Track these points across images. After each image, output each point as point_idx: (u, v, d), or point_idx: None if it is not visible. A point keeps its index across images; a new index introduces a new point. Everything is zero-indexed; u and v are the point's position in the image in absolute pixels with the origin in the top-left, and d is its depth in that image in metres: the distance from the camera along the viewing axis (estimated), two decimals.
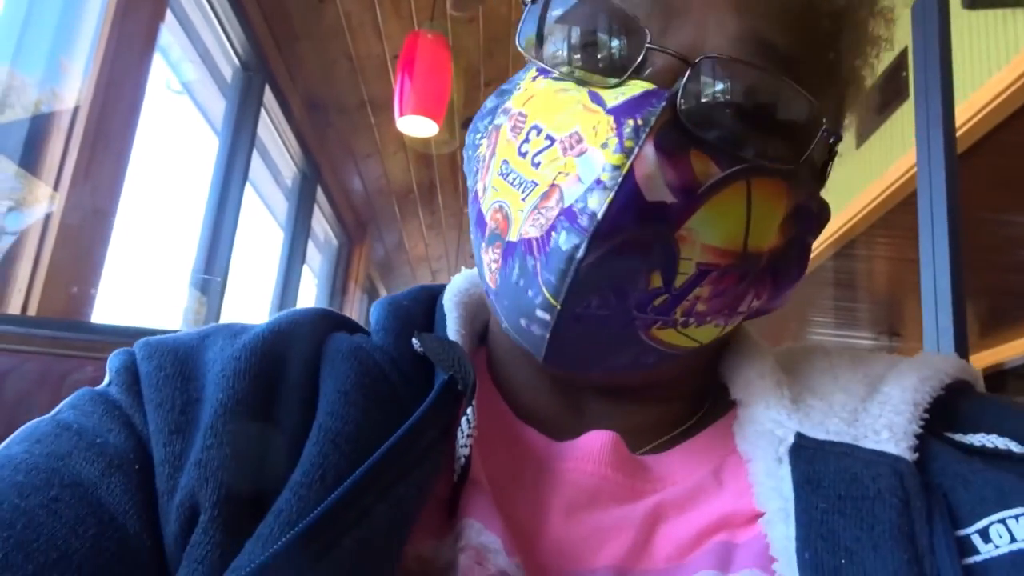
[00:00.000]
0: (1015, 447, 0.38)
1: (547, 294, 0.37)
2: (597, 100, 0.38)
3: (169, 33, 2.37)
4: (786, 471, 0.38)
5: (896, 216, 2.93)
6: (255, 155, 2.92)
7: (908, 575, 0.32)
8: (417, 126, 2.49)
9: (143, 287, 2.38)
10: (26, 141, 1.58)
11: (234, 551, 0.32)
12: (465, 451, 0.37)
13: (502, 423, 0.44)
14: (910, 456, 0.36)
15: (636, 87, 0.38)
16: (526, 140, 0.40)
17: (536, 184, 0.38)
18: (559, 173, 0.37)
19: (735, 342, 0.48)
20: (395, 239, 4.84)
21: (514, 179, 0.40)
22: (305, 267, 3.77)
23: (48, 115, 1.62)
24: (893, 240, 3.42)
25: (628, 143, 0.35)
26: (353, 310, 4.62)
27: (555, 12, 0.42)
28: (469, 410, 0.38)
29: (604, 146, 0.36)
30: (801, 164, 0.40)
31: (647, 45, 0.38)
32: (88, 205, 1.62)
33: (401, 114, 2.36)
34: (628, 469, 0.41)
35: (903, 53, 2.66)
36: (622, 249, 0.36)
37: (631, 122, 0.36)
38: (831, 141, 0.42)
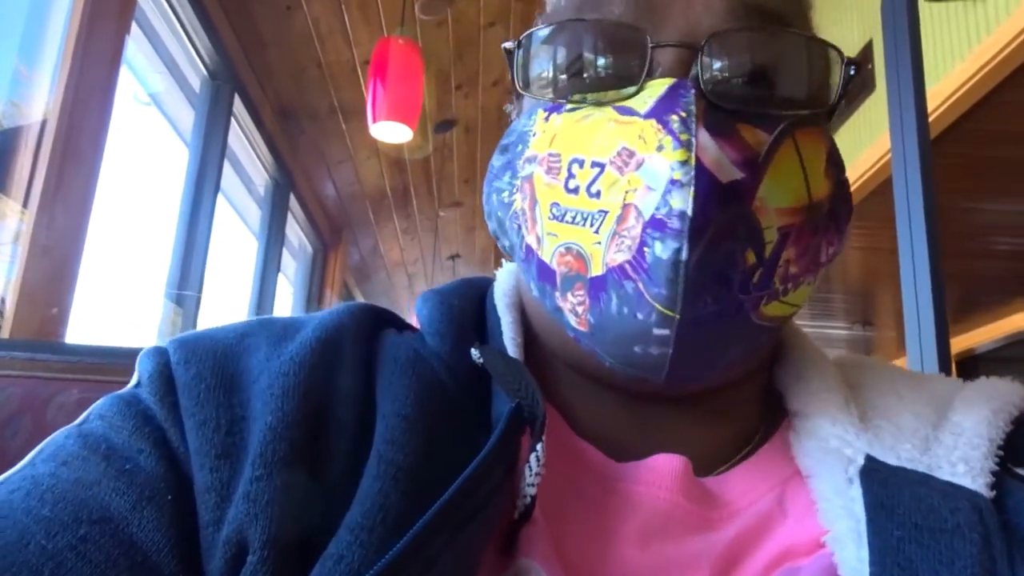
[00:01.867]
0: None
1: (661, 308, 0.35)
2: (626, 112, 0.38)
3: (135, 45, 2.34)
4: (857, 492, 0.36)
5: (868, 206, 2.97)
6: (226, 164, 2.89)
7: None
8: (391, 132, 2.47)
9: (117, 301, 2.34)
10: None
11: None
12: (531, 491, 0.35)
13: (559, 442, 0.41)
14: (987, 492, 0.35)
15: (657, 86, 0.38)
16: (570, 176, 0.39)
17: (606, 212, 0.37)
18: (626, 192, 0.36)
19: (790, 345, 0.47)
20: (370, 244, 4.82)
21: (574, 217, 0.38)
22: (280, 275, 3.74)
23: (15, 130, 1.59)
24: (865, 230, 3.47)
25: (683, 136, 0.35)
26: None
27: (549, 45, 0.42)
28: (539, 446, 0.36)
29: (660, 148, 0.36)
30: (828, 106, 0.41)
31: (650, 45, 0.38)
32: (59, 222, 1.59)
33: (375, 120, 2.35)
34: (696, 496, 0.39)
35: (868, 46, 2.69)
36: (716, 238, 0.35)
37: (675, 117, 0.36)
38: (851, 72, 0.42)
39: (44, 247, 1.55)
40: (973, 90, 2.28)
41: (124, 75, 2.02)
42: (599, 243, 0.37)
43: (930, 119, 2.34)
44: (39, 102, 1.63)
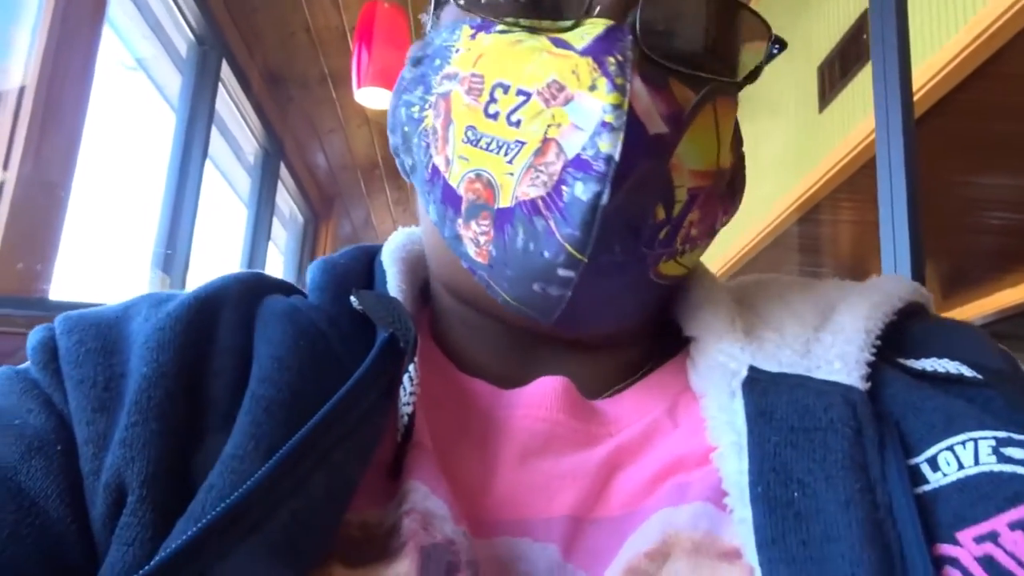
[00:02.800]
0: (965, 370, 0.38)
1: (571, 249, 0.35)
2: (562, 44, 0.37)
3: (120, 9, 2.30)
4: (739, 405, 0.37)
5: (859, 180, 2.96)
6: (215, 131, 2.86)
7: (860, 504, 0.31)
8: (376, 98, 2.45)
9: (105, 267, 2.33)
10: None
11: (166, 531, 0.31)
12: (408, 410, 0.36)
13: (446, 379, 0.43)
14: (862, 385, 0.36)
15: (595, 25, 0.37)
16: (492, 100, 0.38)
17: (523, 143, 0.37)
18: (549, 126, 0.36)
19: (691, 283, 0.47)
20: (362, 215, 4.80)
21: (489, 143, 0.38)
22: (271, 244, 3.72)
23: None
24: (857, 204, 3.46)
25: (619, 80, 0.35)
26: None
27: None
28: (411, 367, 0.37)
29: (593, 88, 0.35)
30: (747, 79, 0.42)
31: None
32: (39, 182, 1.58)
33: (359, 86, 2.33)
34: (581, 414, 0.40)
35: (863, 16, 2.67)
36: (635, 188, 0.35)
37: (612, 59, 0.35)
38: (773, 51, 0.43)
39: (24, 206, 1.54)
40: (967, 61, 2.26)
41: (110, 40, 2.00)
42: (511, 174, 0.37)
43: (924, 91, 2.33)
44: (18, 65, 1.60)
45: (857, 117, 2.79)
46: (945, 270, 4.16)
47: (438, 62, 0.42)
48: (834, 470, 0.32)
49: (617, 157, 0.34)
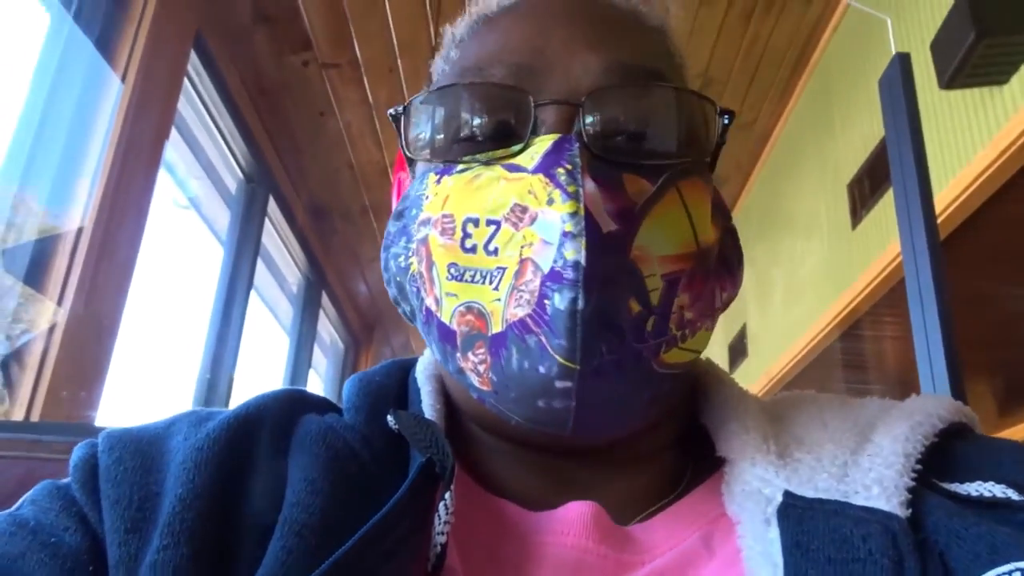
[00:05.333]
0: (1014, 495, 0.36)
1: (562, 360, 0.36)
2: (515, 169, 0.39)
3: (174, 151, 2.45)
4: (775, 534, 0.36)
5: (900, 293, 2.93)
6: (260, 263, 2.97)
7: None
8: None
9: (152, 396, 2.38)
10: (31, 260, 1.62)
11: None
12: (442, 540, 0.35)
13: (475, 502, 0.42)
14: (903, 512, 0.35)
15: (543, 142, 0.39)
16: (466, 235, 0.40)
17: (504, 268, 0.38)
18: (522, 247, 0.37)
19: (714, 390, 0.47)
20: (402, 340, 4.85)
21: (473, 276, 0.39)
22: (311, 372, 3.76)
23: (54, 237, 1.66)
24: (899, 318, 3.40)
25: (571, 188, 0.36)
26: None
27: (434, 110, 0.43)
28: (447, 495, 0.37)
29: (551, 202, 0.37)
30: (708, 155, 0.43)
31: (534, 104, 0.40)
32: (91, 315, 1.65)
33: None
34: (613, 541, 0.39)
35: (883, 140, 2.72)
36: (603, 287, 0.36)
37: (561, 170, 0.37)
38: (726, 122, 0.44)
39: (75, 339, 1.60)
40: (997, 174, 2.27)
41: (164, 181, 2.12)
42: (499, 300, 0.38)
43: (954, 207, 2.33)
44: (78, 208, 1.71)
45: (891, 232, 2.80)
46: (1000, 384, 4.02)
47: (414, 211, 0.45)
48: None
49: (583, 262, 0.35)
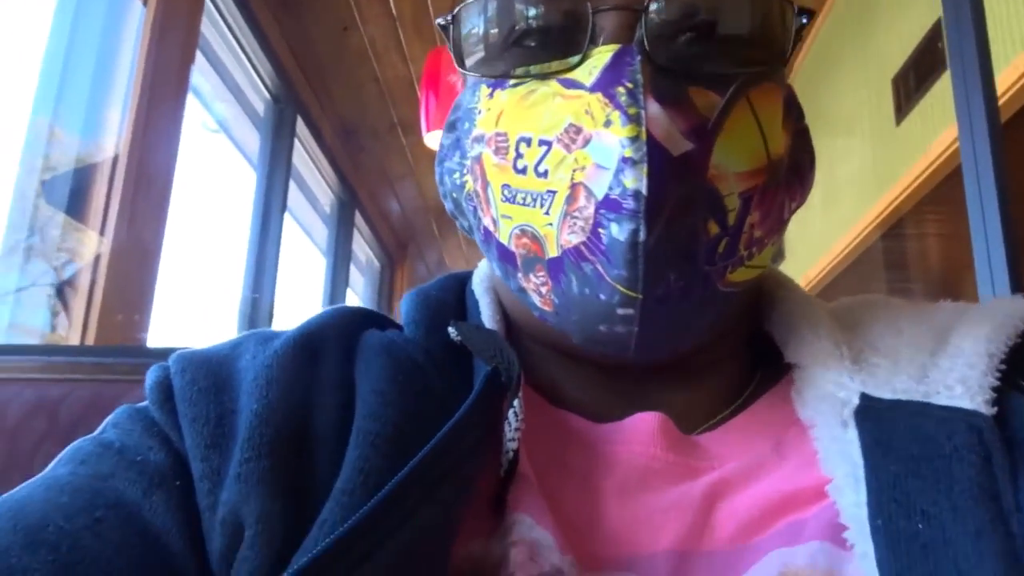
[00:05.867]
0: None
1: (623, 289, 0.35)
2: (572, 85, 0.37)
3: (200, 74, 2.43)
4: (853, 435, 0.36)
5: (944, 191, 2.84)
6: (292, 185, 2.97)
7: (993, 535, 0.30)
8: None
9: (196, 317, 2.43)
10: (71, 191, 1.63)
11: (281, 566, 0.31)
12: (513, 445, 0.36)
13: (541, 412, 0.42)
14: (987, 411, 0.34)
15: (601, 55, 0.36)
16: (519, 156, 0.38)
17: (554, 192, 0.37)
18: (574, 171, 0.36)
19: (781, 297, 0.45)
20: (436, 257, 4.87)
21: (524, 198, 0.38)
22: (349, 290, 3.80)
23: (91, 166, 1.67)
24: (943, 216, 3.32)
25: (632, 110, 0.34)
26: None
27: (485, 17, 0.40)
28: (516, 402, 0.36)
29: (608, 124, 0.34)
30: (782, 60, 0.40)
31: (591, 10, 0.37)
32: (134, 242, 1.67)
33: (428, 130, 2.38)
34: (680, 449, 0.39)
35: (936, 26, 2.59)
36: (675, 214, 0.34)
37: (622, 89, 0.35)
38: (804, 21, 0.40)
39: (120, 266, 1.63)
40: None
41: (192, 103, 2.10)
42: (551, 224, 0.37)
43: (1012, 92, 2.23)
44: (111, 138, 1.70)
45: (937, 128, 2.70)
46: None
47: (467, 125, 0.43)
48: (961, 500, 0.31)
49: (644, 191, 0.33)
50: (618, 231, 0.34)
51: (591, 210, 0.35)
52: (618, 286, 0.35)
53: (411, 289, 0.48)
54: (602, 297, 0.36)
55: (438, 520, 0.32)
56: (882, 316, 0.43)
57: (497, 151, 0.39)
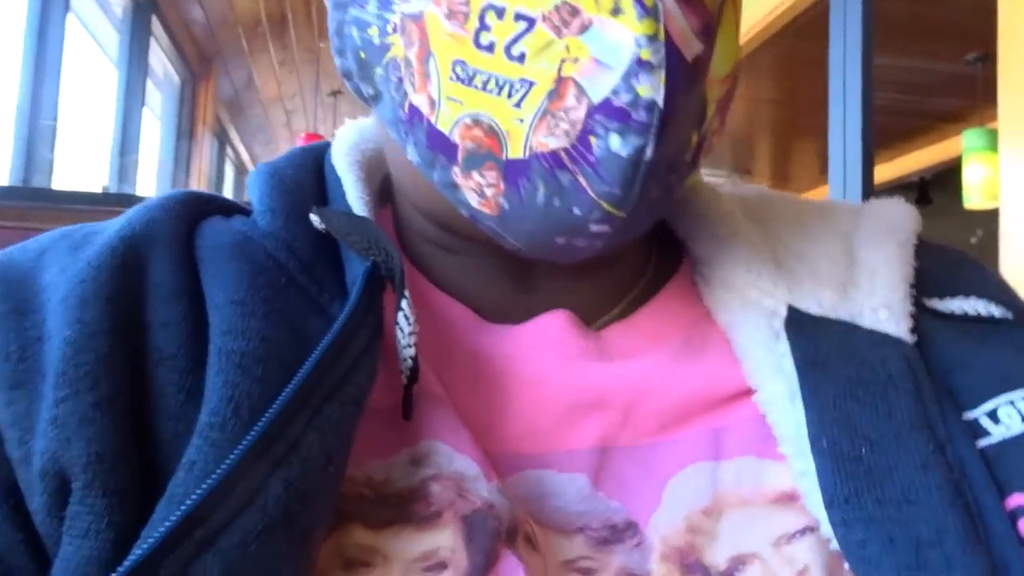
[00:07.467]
0: (995, 310, 0.36)
1: (607, 207, 0.30)
2: None
3: None
4: (785, 347, 0.35)
5: (755, 58, 2.98)
6: None
7: (936, 468, 0.30)
8: None
9: None
10: None
11: (124, 517, 0.27)
12: (410, 352, 0.32)
13: (421, 301, 0.37)
14: (910, 338, 0.34)
15: None
16: (483, 27, 0.30)
17: (531, 83, 0.30)
18: (563, 61, 0.29)
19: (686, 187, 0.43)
20: (244, 76, 4.48)
21: (486, 82, 0.30)
22: (145, 109, 3.45)
23: None
24: (751, 80, 3.51)
25: (649, 1, 0.28)
26: (203, 154, 4.33)
27: None
28: (404, 302, 0.32)
29: (617, 12, 0.28)
30: None
31: None
32: None
33: None
34: (591, 346, 0.37)
35: None
36: (677, 126, 0.30)
37: None
38: None
39: None
40: None
41: None
42: (521, 120, 0.30)
43: None
44: None
45: None
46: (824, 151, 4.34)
47: None
48: (903, 429, 0.32)
49: (662, 103, 0.28)
50: (619, 144, 0.29)
51: (581, 113, 0.29)
52: (602, 202, 0.30)
53: (258, 165, 0.40)
54: (576, 212, 0.31)
55: (327, 446, 0.29)
56: (788, 213, 0.42)
57: (452, 15, 0.31)
